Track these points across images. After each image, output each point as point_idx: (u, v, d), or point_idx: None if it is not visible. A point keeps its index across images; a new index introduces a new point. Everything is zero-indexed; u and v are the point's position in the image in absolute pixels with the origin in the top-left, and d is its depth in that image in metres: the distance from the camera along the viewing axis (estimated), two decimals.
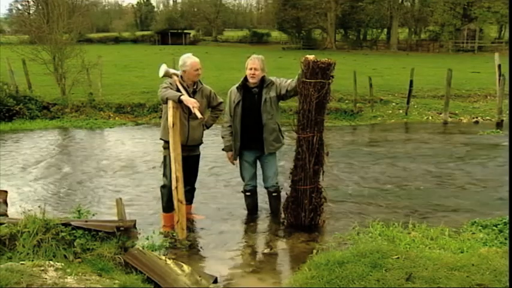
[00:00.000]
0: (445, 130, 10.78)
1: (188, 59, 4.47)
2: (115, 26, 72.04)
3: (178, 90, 4.40)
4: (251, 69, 4.47)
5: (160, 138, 4.65)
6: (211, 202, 5.44)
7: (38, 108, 11.78)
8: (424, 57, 34.27)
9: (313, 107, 4.22)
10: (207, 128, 4.76)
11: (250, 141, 4.59)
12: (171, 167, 4.36)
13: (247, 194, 4.87)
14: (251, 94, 4.54)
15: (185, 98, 4.24)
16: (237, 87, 4.62)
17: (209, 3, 63.32)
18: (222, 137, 4.77)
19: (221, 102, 4.82)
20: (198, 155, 4.77)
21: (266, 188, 4.82)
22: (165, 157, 4.60)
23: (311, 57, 4.19)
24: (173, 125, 4.24)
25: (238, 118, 4.56)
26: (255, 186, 4.87)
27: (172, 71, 4.54)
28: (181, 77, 4.50)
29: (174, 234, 4.37)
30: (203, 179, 6.18)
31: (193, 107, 4.22)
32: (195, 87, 4.55)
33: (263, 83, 4.52)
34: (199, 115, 4.25)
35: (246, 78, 4.56)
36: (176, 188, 4.30)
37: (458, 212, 5.05)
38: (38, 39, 13.60)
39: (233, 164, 4.86)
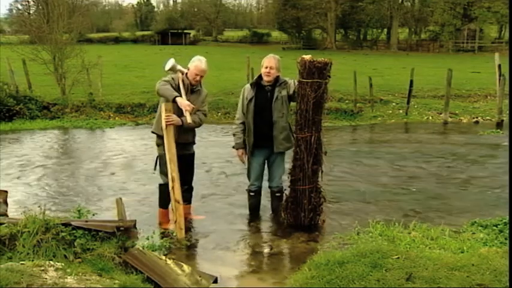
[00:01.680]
0: (445, 130, 10.79)
1: (197, 61, 4.48)
2: (115, 26, 72.02)
3: (178, 88, 4.38)
4: (267, 67, 4.51)
5: (152, 132, 4.63)
6: (211, 201, 5.44)
7: (38, 108, 11.79)
8: (424, 57, 34.27)
9: (311, 106, 4.22)
10: (183, 125, 4.42)
11: (261, 138, 4.59)
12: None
13: (251, 194, 4.87)
14: (264, 91, 4.58)
15: (180, 100, 4.24)
16: (251, 84, 4.70)
17: (209, 3, 63.31)
18: (233, 135, 4.77)
19: (205, 111, 4.71)
20: (193, 154, 4.76)
21: (270, 187, 4.83)
22: (159, 155, 4.59)
23: (307, 57, 4.20)
24: (166, 126, 4.27)
25: (250, 115, 4.59)
26: (260, 187, 4.86)
27: (179, 67, 4.51)
28: (186, 74, 4.50)
29: (174, 234, 4.38)
30: (204, 178, 6.19)
31: (185, 110, 4.24)
32: (194, 87, 4.56)
33: (277, 81, 4.56)
34: (189, 120, 4.24)
35: (260, 76, 4.61)
36: (173, 188, 4.31)
37: (458, 212, 5.05)
38: (38, 39, 13.61)
39: (243, 162, 4.81)
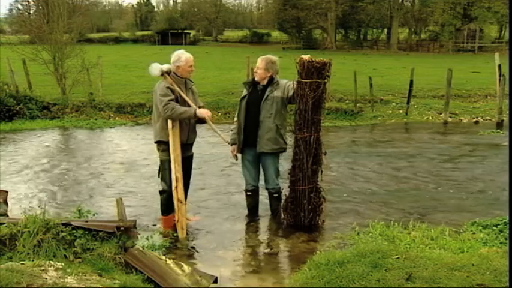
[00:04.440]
0: (445, 130, 10.78)
1: (183, 54, 4.46)
2: (115, 26, 71.98)
3: (177, 99, 4.34)
4: (256, 68, 4.63)
5: (159, 141, 4.49)
6: (211, 202, 5.44)
7: (38, 108, 11.79)
8: (424, 57, 34.26)
9: (310, 107, 4.23)
10: (193, 125, 4.66)
11: (250, 137, 4.61)
12: (170, 171, 4.35)
13: (248, 194, 4.88)
14: (256, 91, 4.62)
15: (199, 112, 4.30)
16: (244, 83, 4.81)
17: (209, 3, 63.25)
18: (231, 131, 4.82)
19: (203, 105, 4.81)
20: (193, 155, 4.77)
21: (267, 189, 4.83)
22: (163, 161, 4.50)
23: (306, 57, 4.21)
24: (173, 126, 4.28)
25: (242, 112, 4.63)
26: (256, 187, 4.87)
27: (165, 68, 4.40)
28: (174, 73, 4.44)
29: (175, 234, 4.38)
30: (203, 179, 6.19)
31: (208, 117, 4.33)
32: (188, 85, 4.56)
33: (270, 82, 4.58)
34: (226, 138, 4.35)
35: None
36: (176, 187, 4.31)
37: (458, 212, 5.05)
38: (38, 39, 13.62)
39: (235, 158, 4.84)
